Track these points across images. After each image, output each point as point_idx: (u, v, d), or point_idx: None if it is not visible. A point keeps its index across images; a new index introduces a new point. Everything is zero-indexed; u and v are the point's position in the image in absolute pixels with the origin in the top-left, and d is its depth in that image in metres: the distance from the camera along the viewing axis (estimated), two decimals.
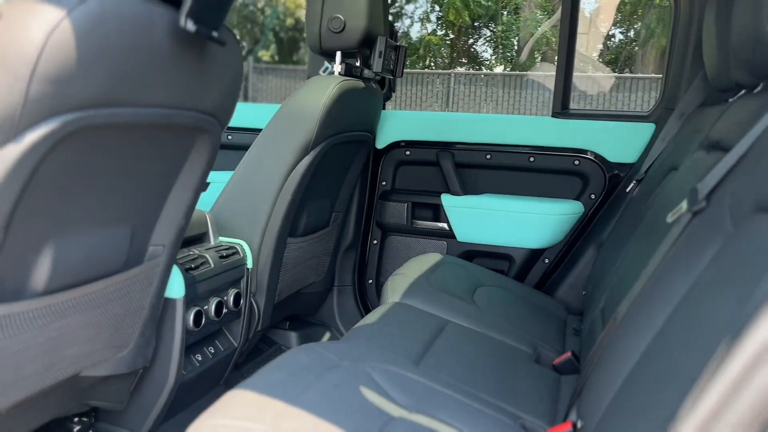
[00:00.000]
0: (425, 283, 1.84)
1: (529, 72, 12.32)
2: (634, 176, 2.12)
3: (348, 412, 1.05)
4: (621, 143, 2.21)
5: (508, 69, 14.57)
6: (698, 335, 0.85)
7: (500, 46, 14.92)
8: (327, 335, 2.47)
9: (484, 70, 14.56)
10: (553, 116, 2.31)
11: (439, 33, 15.05)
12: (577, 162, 2.25)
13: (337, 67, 1.91)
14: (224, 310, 1.68)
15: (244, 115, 2.68)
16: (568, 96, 2.29)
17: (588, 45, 12.63)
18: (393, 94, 2.38)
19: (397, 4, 14.62)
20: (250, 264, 1.79)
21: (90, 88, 0.89)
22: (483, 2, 13.33)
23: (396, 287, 1.79)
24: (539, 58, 13.90)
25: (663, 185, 1.76)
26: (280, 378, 1.10)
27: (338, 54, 1.90)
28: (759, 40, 1.17)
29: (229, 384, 1.96)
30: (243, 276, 1.78)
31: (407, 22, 15.50)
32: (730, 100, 1.72)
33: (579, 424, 1.12)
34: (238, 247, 1.77)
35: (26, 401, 1.17)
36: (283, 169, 1.78)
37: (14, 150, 0.85)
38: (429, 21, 15.07)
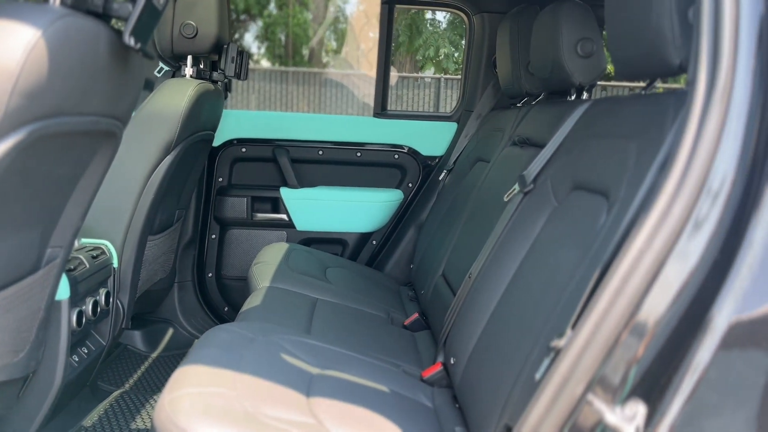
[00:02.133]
0: (286, 268, 2.04)
1: (296, 68, 12.72)
2: (444, 167, 2.54)
3: (282, 373, 1.24)
4: (431, 139, 2.62)
5: (276, 65, 14.85)
6: (542, 280, 1.21)
7: (267, 41, 15.14)
8: (170, 331, 2.51)
9: (252, 65, 14.66)
10: (374, 116, 2.64)
11: None
12: (396, 156, 2.61)
13: (189, 70, 2.00)
14: (99, 310, 1.70)
15: None
16: (386, 99, 2.63)
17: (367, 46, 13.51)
18: (229, 94, 2.49)
19: None
20: (116, 263, 1.82)
21: (54, 99, 0.96)
22: None
23: (262, 274, 1.96)
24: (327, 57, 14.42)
25: (472, 174, 2.18)
26: (214, 353, 1.24)
27: (189, 58, 1.99)
28: (555, 66, 1.60)
29: (93, 387, 1.95)
30: (111, 275, 1.80)
31: None
32: (518, 104, 2.21)
33: (452, 361, 1.45)
34: (103, 247, 1.79)
35: None
36: (147, 169, 1.84)
37: None
38: None
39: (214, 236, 2.59)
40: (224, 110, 2.55)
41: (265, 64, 15.19)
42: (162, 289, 2.38)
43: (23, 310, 1.27)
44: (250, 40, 15.62)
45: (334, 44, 15.89)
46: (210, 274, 2.61)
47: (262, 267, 2.02)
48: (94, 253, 1.72)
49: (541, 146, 1.58)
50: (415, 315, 1.95)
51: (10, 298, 1.20)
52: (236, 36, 15.52)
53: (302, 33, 14.31)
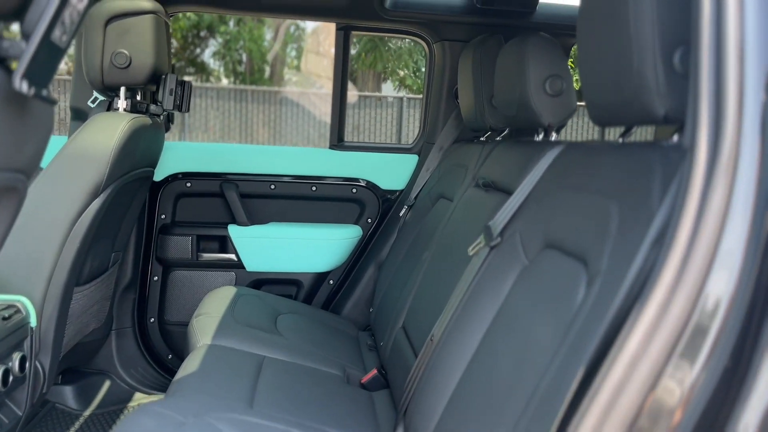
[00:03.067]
0: (231, 320, 1.85)
1: (257, 87, 12.53)
2: (404, 201, 2.39)
3: None
4: (390, 172, 2.47)
5: (237, 82, 14.61)
6: (514, 355, 1.06)
7: (227, 58, 14.89)
8: (107, 384, 2.29)
9: (214, 83, 14.39)
10: (330, 148, 2.48)
11: None
12: (354, 190, 2.45)
13: (122, 104, 1.81)
14: (10, 378, 1.49)
15: None
16: (343, 130, 2.48)
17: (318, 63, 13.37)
18: (171, 125, 2.31)
19: None
20: (34, 322, 1.61)
21: None
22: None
23: (203, 328, 1.77)
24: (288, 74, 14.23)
25: (434, 211, 2.03)
26: None
27: (122, 90, 1.81)
28: (522, 105, 1.46)
29: None
30: (27, 336, 1.59)
31: None
32: (482, 138, 2.08)
33: None
34: (18, 304, 1.58)
35: None
36: (71, 214, 1.64)
37: None
38: None
39: (156, 278, 2.38)
40: (168, 142, 2.36)
41: (224, 81, 14.93)
42: (96, 340, 2.16)
43: None
44: (209, 57, 15.35)
45: (295, 60, 15.74)
46: (152, 320, 2.39)
47: (203, 320, 1.83)
48: (6, 313, 1.50)
49: (507, 192, 1.44)
50: (374, 371, 1.78)
51: None
52: (197, 51, 15.24)
53: (257, 49, 14.12)
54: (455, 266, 1.48)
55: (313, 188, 2.42)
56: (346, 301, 2.43)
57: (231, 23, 14.52)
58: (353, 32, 2.36)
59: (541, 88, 1.42)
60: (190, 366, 1.55)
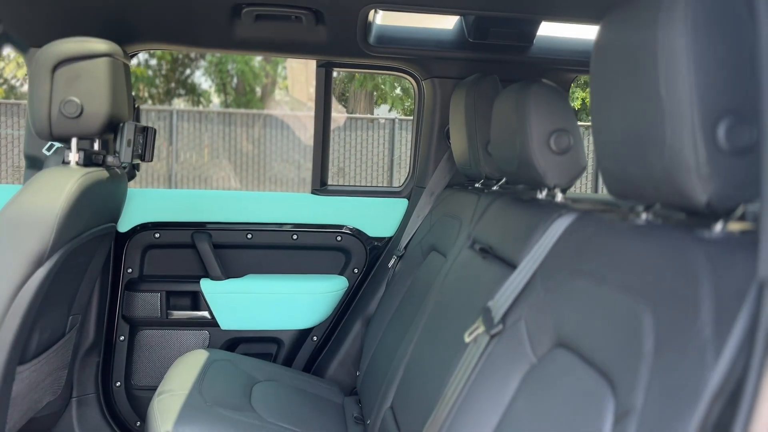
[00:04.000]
0: (198, 399, 1.64)
1: (247, 110, 12.38)
2: (393, 250, 2.20)
3: None
4: (378, 218, 2.28)
5: (228, 104, 14.43)
6: None
7: (218, 78, 14.74)
8: None
9: (209, 107, 14.23)
10: (312, 193, 2.28)
11: (152, 62, 14.30)
12: (339, 238, 2.26)
13: (74, 156, 1.61)
14: None
15: None
16: (326, 173, 2.29)
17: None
18: (137, 173, 2.11)
19: None
20: None
21: None
22: None
23: (165, 412, 1.56)
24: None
25: (426, 266, 1.84)
26: None
27: (74, 141, 1.61)
28: (524, 162, 1.28)
29: None
30: None
31: None
32: (477, 185, 1.89)
33: None
34: None
35: None
36: (10, 287, 1.43)
37: None
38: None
39: (122, 338, 2.17)
40: (134, 189, 2.16)
41: (216, 101, 14.75)
42: (52, 413, 1.94)
43: None
44: (201, 79, 15.19)
45: (286, 81, 15.57)
46: (118, 384, 2.18)
47: (165, 400, 1.62)
48: None
49: (508, 263, 1.25)
50: None
51: None
52: (187, 72, 15.06)
53: (249, 71, 13.98)
54: (450, 348, 1.28)
55: (294, 236, 2.23)
56: (330, 360, 2.22)
57: None
58: (335, 69, 2.18)
59: (545, 145, 1.24)
60: None
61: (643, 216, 0.94)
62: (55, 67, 1.55)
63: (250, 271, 2.23)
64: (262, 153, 10.50)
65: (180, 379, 1.74)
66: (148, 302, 2.15)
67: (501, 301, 1.14)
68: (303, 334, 2.25)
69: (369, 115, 10.84)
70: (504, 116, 1.37)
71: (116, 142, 1.71)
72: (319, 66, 2.16)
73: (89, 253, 1.81)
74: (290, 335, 2.23)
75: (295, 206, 2.25)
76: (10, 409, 1.55)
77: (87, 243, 1.71)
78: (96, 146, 1.74)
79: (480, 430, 1.04)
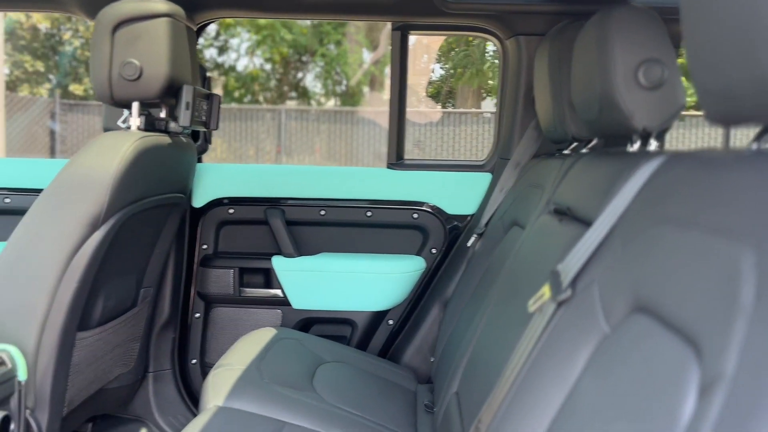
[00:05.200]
0: (255, 374, 1.55)
1: (354, 108, 12.50)
2: (474, 228, 2.02)
3: None
4: (458, 194, 2.11)
5: (338, 104, 14.68)
6: None
7: (330, 80, 15.03)
8: (143, 431, 2.07)
9: (315, 106, 14.55)
10: (388, 167, 2.15)
11: (267, 67, 14.85)
12: (415, 215, 2.11)
13: (135, 121, 1.58)
14: None
15: (26, 171, 2.22)
16: (402, 146, 2.15)
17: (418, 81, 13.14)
18: (209, 146, 2.08)
19: (221, 38, 14.17)
20: (23, 375, 1.39)
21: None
22: (303, 36, 13.33)
23: (218, 386, 1.48)
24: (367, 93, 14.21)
25: (506, 242, 1.65)
26: None
27: (135, 105, 1.58)
28: (607, 102, 1.07)
29: None
30: (13, 392, 1.37)
31: (233, 55, 15.11)
32: (565, 151, 1.67)
33: None
34: (4, 355, 1.36)
35: None
36: (66, 250, 1.41)
37: None
38: (255, 54, 14.77)
39: (198, 315, 2.15)
40: (208, 164, 2.14)
41: (330, 104, 15.05)
42: (126, 385, 1.94)
43: None
44: (311, 80, 15.56)
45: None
46: (194, 361, 2.16)
47: (221, 374, 1.55)
48: None
49: (585, 222, 1.05)
50: None
51: None
52: (299, 75, 15.52)
53: (354, 72, 14.14)
54: (514, 321, 1.10)
55: (369, 213, 2.10)
56: (407, 346, 2.08)
57: (332, 46, 14.63)
58: (411, 32, 2.03)
59: (632, 79, 1.02)
60: None
61: (754, 146, 0.72)
62: (115, 28, 1.53)
63: (323, 249, 2.14)
64: (365, 150, 10.57)
65: (240, 354, 1.66)
66: (222, 279, 2.11)
67: (572, 263, 0.95)
68: (378, 317, 2.12)
69: (474, 110, 10.59)
70: (584, 53, 1.16)
71: (177, 106, 1.66)
72: (394, 29, 2.02)
73: (156, 224, 1.79)
74: (364, 317, 2.11)
75: (370, 182, 2.13)
76: (72, 375, 1.54)
77: (151, 211, 1.68)
78: (163, 115, 1.72)
79: (541, 412, 0.85)
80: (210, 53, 14.71)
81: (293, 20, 11.64)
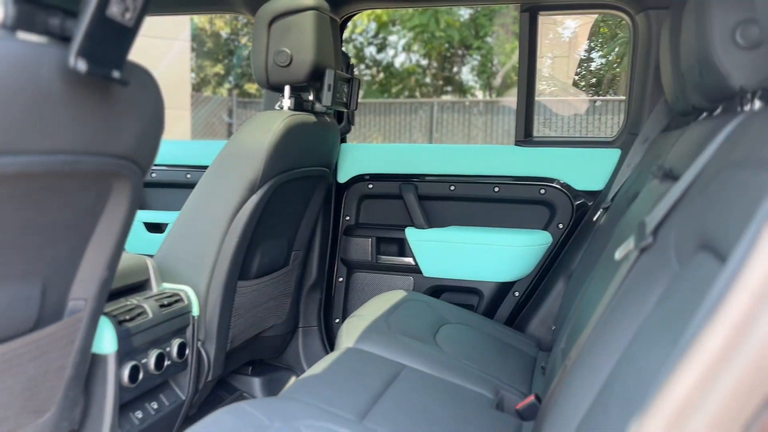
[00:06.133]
0: (383, 324, 1.74)
1: (503, 98, 12.39)
2: (601, 204, 2.05)
3: None
4: (587, 170, 2.14)
5: (489, 95, 14.63)
6: (636, 390, 0.76)
7: (483, 73, 15.01)
8: (292, 379, 2.36)
9: (469, 98, 14.63)
10: (516, 144, 2.24)
11: (423, 62, 15.17)
12: (543, 191, 2.18)
13: (286, 102, 1.84)
14: (166, 362, 1.57)
15: (203, 152, 2.60)
16: (531, 123, 2.23)
17: (567, 68, 12.73)
18: (352, 127, 2.31)
19: (380, 35, 14.76)
20: (196, 311, 1.69)
21: None
22: (456, 30, 13.41)
23: (351, 331, 1.69)
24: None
25: (627, 214, 1.68)
26: None
27: (287, 88, 1.84)
28: (705, 64, 1.10)
29: None
30: (188, 324, 1.68)
31: (391, 52, 15.63)
32: (692, 124, 1.66)
33: None
34: (182, 293, 1.67)
35: None
36: (229, 210, 1.70)
37: None
38: (411, 51, 15.16)
39: (341, 279, 2.40)
40: (350, 144, 2.37)
41: (479, 96, 15.09)
42: (279, 335, 2.24)
43: (32, 368, 1.16)
44: (467, 72, 15.67)
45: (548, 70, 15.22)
46: (337, 320, 2.41)
47: (354, 322, 1.75)
48: (166, 301, 1.60)
49: (676, 178, 1.10)
50: (531, 397, 1.51)
51: (7, 355, 1.09)
52: (455, 69, 15.71)
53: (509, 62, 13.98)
54: (608, 273, 1.17)
55: (496, 189, 2.21)
56: (532, 316, 2.16)
57: (489, 39, 14.62)
58: (540, 12, 2.10)
59: (729, 39, 1.05)
60: (318, 368, 1.48)
61: None
62: (271, 23, 1.79)
63: (453, 223, 2.28)
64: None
65: (372, 308, 1.86)
66: (362, 247, 2.33)
67: (656, 214, 1.01)
68: (504, 288, 2.22)
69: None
70: (688, 16, 1.20)
71: (321, 89, 1.90)
72: (522, 11, 2.11)
73: (304, 193, 2.04)
74: (491, 287, 2.22)
75: (498, 159, 2.23)
76: (234, 317, 1.84)
77: (299, 181, 1.94)
78: (311, 97, 1.96)
79: (614, 346, 0.94)
80: (369, 51, 15.40)
81: (435, 10, 11.75)
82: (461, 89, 15.48)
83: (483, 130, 10.82)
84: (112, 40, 0.95)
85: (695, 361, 0.55)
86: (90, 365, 1.36)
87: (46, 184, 1.01)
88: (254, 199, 1.71)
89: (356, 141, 12.52)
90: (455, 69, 15.72)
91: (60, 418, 1.26)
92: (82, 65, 0.89)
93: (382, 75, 15.09)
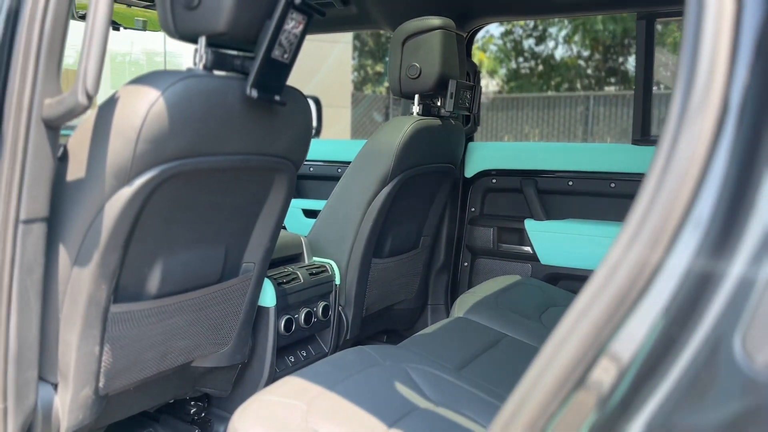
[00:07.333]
0: (493, 301, 2.01)
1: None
2: None
3: (376, 399, 1.28)
4: None
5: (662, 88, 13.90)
6: None
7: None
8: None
9: (632, 90, 14.00)
10: (633, 144, 2.37)
11: (585, 54, 14.78)
12: None
13: (416, 108, 2.16)
14: (313, 319, 1.97)
15: (352, 150, 3.01)
16: (648, 123, 2.35)
17: None
18: (478, 128, 2.57)
19: (540, 27, 14.62)
20: (338, 280, 2.08)
21: (179, 144, 1.23)
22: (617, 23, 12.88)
23: (463, 304, 1.98)
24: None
25: None
26: (326, 369, 1.36)
27: (416, 96, 2.16)
28: None
29: None
30: (331, 291, 2.07)
31: (551, 44, 15.40)
32: None
33: None
34: (327, 266, 2.07)
35: (150, 381, 1.53)
36: (366, 198, 2.06)
37: (127, 191, 1.21)
38: (573, 42, 14.83)
39: (466, 264, 2.68)
40: (477, 143, 2.64)
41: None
42: (409, 309, 2.58)
43: (216, 310, 1.60)
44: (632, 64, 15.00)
45: None
46: None
47: (466, 297, 2.04)
48: (314, 270, 2.00)
49: None
50: None
51: (198, 299, 1.53)
52: (620, 60, 15.10)
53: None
54: None
55: (612, 185, 2.36)
56: None
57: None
58: (658, 19, 2.21)
59: None
60: (430, 329, 1.79)
61: None
62: (404, 41, 2.12)
63: (570, 216, 2.46)
64: None
65: (486, 287, 2.13)
66: (485, 235, 2.60)
67: None
68: None
69: None
70: None
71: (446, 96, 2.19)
72: (639, 18, 2.24)
73: (431, 186, 2.35)
74: None
75: (615, 157, 2.38)
76: (369, 288, 2.21)
77: (426, 176, 2.25)
78: (439, 103, 2.27)
79: None
80: (528, 43, 15.31)
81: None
82: (625, 80, 14.85)
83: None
84: (275, 74, 1.33)
85: None
86: (256, 314, 1.79)
87: (229, 176, 1.42)
88: (386, 190, 2.05)
89: (509, 136, 12.57)
90: (620, 59, 15.11)
91: (235, 351, 1.69)
92: (255, 93, 1.28)
93: (541, 67, 14.94)
